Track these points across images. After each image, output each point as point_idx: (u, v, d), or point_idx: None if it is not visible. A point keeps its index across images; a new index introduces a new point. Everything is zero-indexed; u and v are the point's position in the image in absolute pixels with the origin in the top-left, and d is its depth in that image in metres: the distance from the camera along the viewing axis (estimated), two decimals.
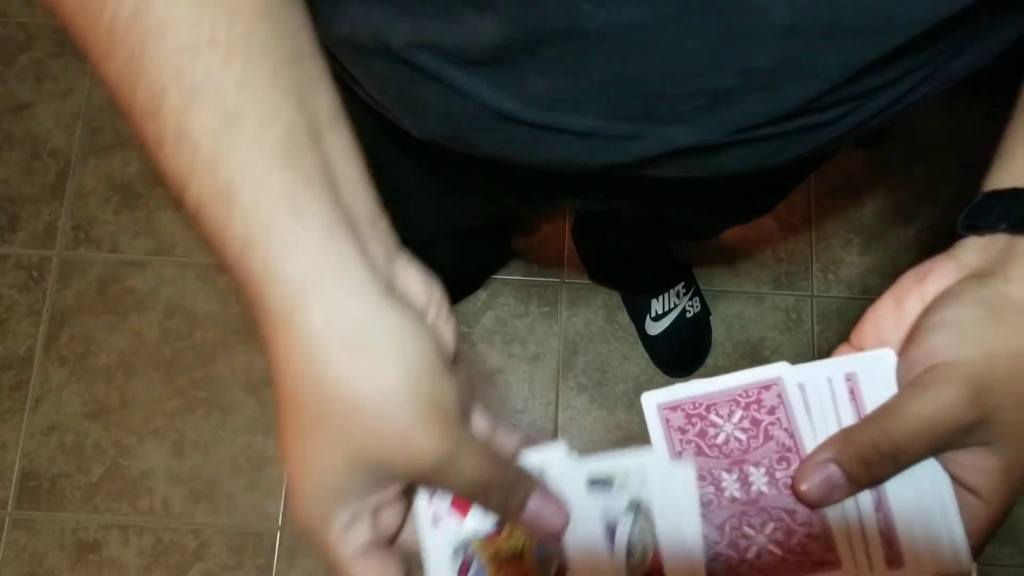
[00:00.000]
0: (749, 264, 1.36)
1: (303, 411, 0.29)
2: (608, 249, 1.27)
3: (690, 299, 1.30)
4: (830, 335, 1.33)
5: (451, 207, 0.71)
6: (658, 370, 1.31)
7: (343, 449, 0.29)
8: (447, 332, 0.33)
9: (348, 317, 0.28)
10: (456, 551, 0.33)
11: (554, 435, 1.26)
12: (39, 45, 1.42)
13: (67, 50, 1.42)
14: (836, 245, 1.37)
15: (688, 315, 1.29)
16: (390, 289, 0.30)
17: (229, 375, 1.28)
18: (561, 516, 0.33)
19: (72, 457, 1.24)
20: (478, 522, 0.34)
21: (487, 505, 0.32)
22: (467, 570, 0.33)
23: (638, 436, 1.25)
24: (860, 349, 0.36)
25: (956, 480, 0.33)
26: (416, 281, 0.33)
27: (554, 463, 0.34)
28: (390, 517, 0.32)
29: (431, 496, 0.33)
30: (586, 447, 1.26)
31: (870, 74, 0.41)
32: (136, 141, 0.30)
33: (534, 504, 0.32)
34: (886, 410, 0.32)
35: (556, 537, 0.33)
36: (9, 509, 1.22)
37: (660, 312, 1.29)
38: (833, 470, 0.32)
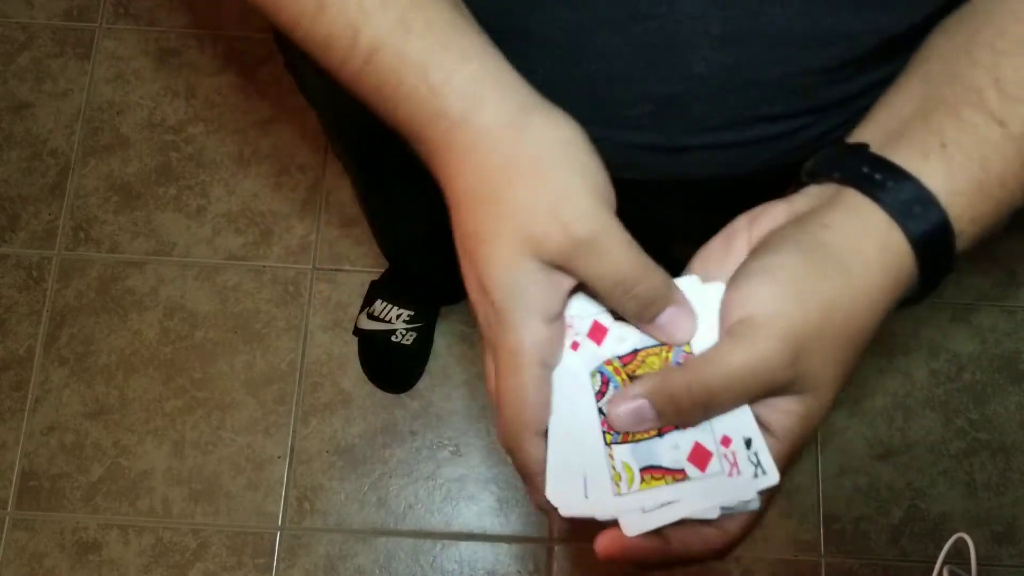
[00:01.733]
0: None
1: (478, 197, 0.33)
2: None
3: None
4: None
5: (438, 200, 0.72)
6: None
7: (510, 226, 0.31)
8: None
9: (514, 104, 0.33)
10: (594, 373, 0.34)
11: None
12: (39, 45, 1.42)
13: (67, 50, 1.42)
14: None
15: None
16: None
17: (229, 375, 1.28)
18: (691, 329, 0.34)
19: (72, 457, 1.24)
20: (614, 347, 0.35)
21: (624, 306, 0.33)
22: (605, 392, 0.34)
23: None
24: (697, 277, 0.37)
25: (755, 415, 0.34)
26: None
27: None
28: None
29: (572, 323, 0.35)
30: None
31: (821, 89, 0.42)
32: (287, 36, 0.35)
33: (669, 314, 0.33)
34: (704, 358, 0.32)
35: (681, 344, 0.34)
36: (9, 509, 1.22)
37: None
38: (643, 404, 0.33)
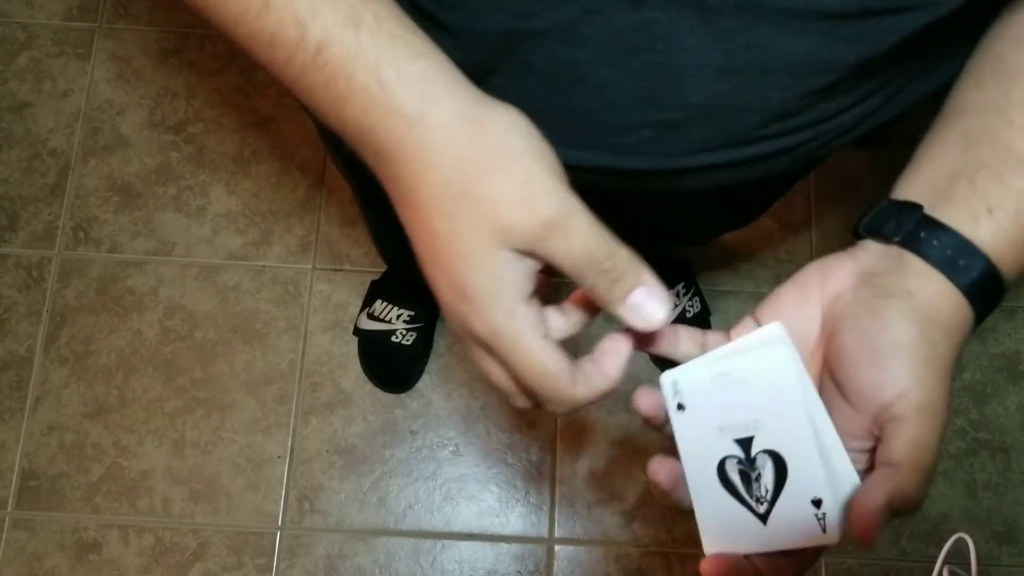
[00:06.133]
0: (749, 264, 1.36)
1: (447, 195, 0.33)
2: None
3: (690, 299, 1.30)
4: None
5: None
6: (658, 370, 1.31)
7: (483, 220, 0.32)
8: None
9: (465, 99, 0.33)
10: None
11: (554, 436, 1.26)
12: (39, 45, 1.42)
13: (67, 50, 1.42)
14: (836, 245, 1.36)
15: (688, 315, 1.29)
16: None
17: (229, 375, 1.28)
18: (663, 312, 0.35)
19: (72, 457, 1.24)
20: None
21: (593, 287, 0.34)
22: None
23: (638, 437, 1.25)
24: (760, 324, 0.40)
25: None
26: None
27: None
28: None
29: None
30: (584, 449, 1.26)
31: (817, 107, 0.43)
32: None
33: (640, 295, 0.34)
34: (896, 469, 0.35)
35: (651, 331, 0.36)
36: (9, 509, 1.22)
37: None
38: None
